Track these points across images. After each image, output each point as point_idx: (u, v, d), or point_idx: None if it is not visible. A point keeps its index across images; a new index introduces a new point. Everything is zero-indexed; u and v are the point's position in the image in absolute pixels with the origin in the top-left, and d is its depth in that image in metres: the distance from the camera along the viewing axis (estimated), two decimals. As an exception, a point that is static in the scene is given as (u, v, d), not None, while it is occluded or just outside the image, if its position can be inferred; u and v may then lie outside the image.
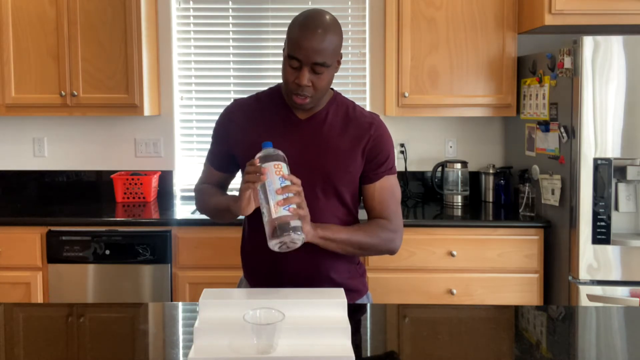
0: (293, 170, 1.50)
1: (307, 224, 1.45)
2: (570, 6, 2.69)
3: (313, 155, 1.60)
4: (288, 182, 1.41)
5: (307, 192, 1.57)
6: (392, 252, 1.67)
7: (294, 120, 1.63)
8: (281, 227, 1.38)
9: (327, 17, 1.54)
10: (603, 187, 2.47)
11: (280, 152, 1.46)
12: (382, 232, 1.63)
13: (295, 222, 1.39)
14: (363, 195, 1.69)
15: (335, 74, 1.63)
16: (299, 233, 1.39)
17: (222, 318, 1.31)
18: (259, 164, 1.42)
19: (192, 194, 3.33)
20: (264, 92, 1.72)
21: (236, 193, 1.54)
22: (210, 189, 1.74)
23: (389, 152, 1.66)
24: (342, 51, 1.60)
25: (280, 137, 1.60)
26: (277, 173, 1.41)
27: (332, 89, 1.69)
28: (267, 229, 1.40)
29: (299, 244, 1.41)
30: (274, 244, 1.39)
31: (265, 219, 1.41)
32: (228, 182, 1.81)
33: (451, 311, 1.63)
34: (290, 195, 1.40)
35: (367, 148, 1.63)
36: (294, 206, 1.40)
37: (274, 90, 1.69)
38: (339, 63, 1.60)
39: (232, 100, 1.75)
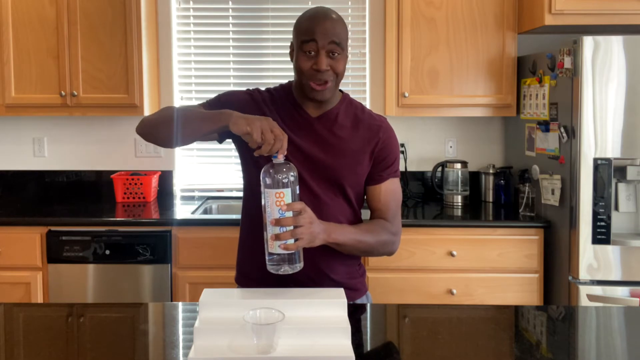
0: (302, 167, 1.49)
1: (313, 238, 1.44)
2: (570, 6, 2.69)
3: (323, 153, 1.61)
4: (286, 214, 1.39)
5: (315, 189, 1.59)
6: (390, 254, 1.71)
7: (305, 117, 1.64)
8: (275, 261, 1.42)
9: (333, 10, 1.61)
10: (603, 187, 2.47)
11: (290, 167, 1.42)
12: (385, 234, 1.64)
13: (288, 260, 1.42)
14: (367, 196, 1.70)
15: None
16: (292, 266, 1.43)
17: (222, 318, 1.31)
18: (263, 188, 1.40)
19: (192, 194, 3.37)
20: (275, 88, 1.72)
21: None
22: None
23: (395, 155, 1.69)
24: None
25: (291, 132, 1.60)
26: (277, 204, 1.38)
27: (340, 90, 1.70)
28: (266, 252, 1.43)
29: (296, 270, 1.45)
30: (270, 269, 1.44)
31: (265, 236, 1.42)
32: (208, 139, 1.67)
33: (451, 311, 1.63)
34: (285, 230, 1.38)
35: (376, 151, 1.65)
36: (290, 242, 1.39)
37: (285, 87, 1.70)
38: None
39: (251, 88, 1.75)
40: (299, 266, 1.44)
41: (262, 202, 1.42)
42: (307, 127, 1.63)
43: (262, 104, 1.65)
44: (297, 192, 1.43)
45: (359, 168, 1.64)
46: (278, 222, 1.38)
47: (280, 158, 1.40)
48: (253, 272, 1.68)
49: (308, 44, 1.53)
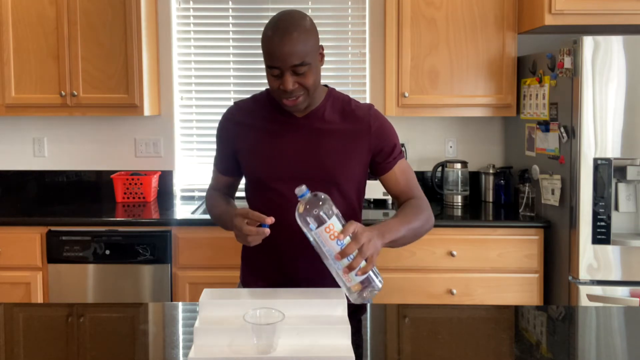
0: (293, 169, 1.48)
1: (374, 241, 1.37)
2: (570, 6, 2.69)
3: (312, 153, 1.60)
4: (345, 242, 1.30)
5: (310, 188, 1.58)
6: (430, 230, 1.66)
7: (292, 119, 1.63)
8: (358, 290, 1.34)
9: (296, 17, 1.54)
10: (603, 187, 2.47)
11: (321, 196, 1.34)
12: (424, 211, 1.61)
13: (368, 283, 1.34)
14: (386, 185, 1.69)
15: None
16: (374, 286, 1.34)
17: (222, 318, 1.31)
18: (307, 229, 1.32)
19: (192, 194, 3.37)
20: (260, 93, 1.72)
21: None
22: (215, 199, 1.74)
23: (393, 139, 1.67)
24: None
25: (279, 136, 1.60)
26: (331, 238, 1.30)
27: (326, 85, 1.69)
28: (344, 290, 1.35)
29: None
30: (356, 302, 1.36)
31: (332, 272, 1.35)
32: (236, 185, 1.80)
33: (451, 311, 1.63)
34: (352, 257, 1.30)
35: (372, 142, 1.63)
36: (362, 264, 1.31)
37: (269, 91, 1.69)
38: (322, 56, 1.58)
39: (232, 103, 1.75)
40: (379, 282, 1.35)
41: (311, 241, 1.34)
42: (294, 129, 1.62)
43: (241, 120, 1.66)
44: (339, 212, 1.36)
45: (353, 161, 1.63)
46: (344, 254, 1.29)
47: (301, 189, 1.33)
48: (264, 270, 1.68)
49: (271, 68, 1.50)
